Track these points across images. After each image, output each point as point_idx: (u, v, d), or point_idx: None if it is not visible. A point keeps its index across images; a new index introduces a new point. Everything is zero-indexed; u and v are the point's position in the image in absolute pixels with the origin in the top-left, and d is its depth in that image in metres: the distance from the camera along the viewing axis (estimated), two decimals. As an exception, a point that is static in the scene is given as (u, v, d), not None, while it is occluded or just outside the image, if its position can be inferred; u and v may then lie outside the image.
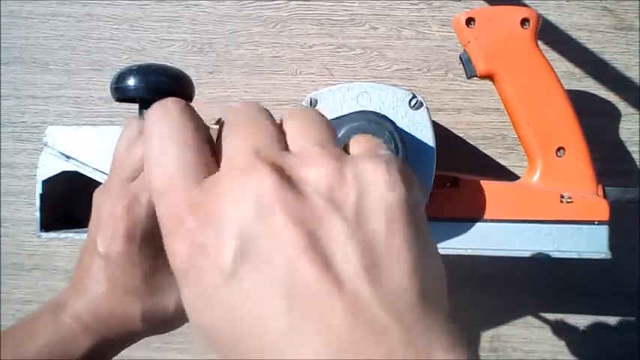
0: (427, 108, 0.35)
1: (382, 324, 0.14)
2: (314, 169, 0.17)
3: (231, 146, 0.18)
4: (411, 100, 0.35)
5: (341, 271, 0.15)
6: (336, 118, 0.34)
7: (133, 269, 0.28)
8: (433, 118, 0.39)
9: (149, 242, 0.28)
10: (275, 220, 0.15)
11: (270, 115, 0.19)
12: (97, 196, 0.30)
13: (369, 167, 0.17)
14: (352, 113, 0.34)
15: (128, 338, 0.30)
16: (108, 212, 0.28)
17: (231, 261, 0.15)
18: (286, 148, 0.18)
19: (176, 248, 0.16)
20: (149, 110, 0.18)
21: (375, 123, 0.33)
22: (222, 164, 0.18)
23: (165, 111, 0.18)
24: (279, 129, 0.19)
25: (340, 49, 0.48)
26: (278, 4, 0.48)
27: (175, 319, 0.30)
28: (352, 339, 0.14)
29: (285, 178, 0.16)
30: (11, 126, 0.51)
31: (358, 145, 0.19)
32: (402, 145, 0.33)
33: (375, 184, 0.16)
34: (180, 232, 0.16)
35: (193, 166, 0.17)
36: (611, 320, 0.50)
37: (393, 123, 0.33)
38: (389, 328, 0.14)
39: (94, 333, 0.28)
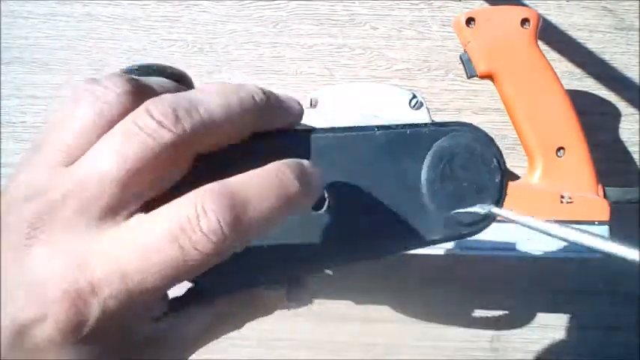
0: (427, 108, 0.35)
1: None
2: None
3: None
4: (411, 100, 0.35)
5: None
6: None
7: None
8: (433, 118, 0.39)
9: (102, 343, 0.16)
10: None
11: None
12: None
13: None
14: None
15: None
16: (41, 272, 0.16)
17: None
18: None
19: None
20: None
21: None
22: None
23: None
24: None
25: (340, 49, 0.48)
26: (278, 4, 0.48)
27: None
28: None
29: None
30: (11, 126, 0.51)
31: None
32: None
33: None
34: None
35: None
36: (611, 320, 0.50)
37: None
38: None
39: None
